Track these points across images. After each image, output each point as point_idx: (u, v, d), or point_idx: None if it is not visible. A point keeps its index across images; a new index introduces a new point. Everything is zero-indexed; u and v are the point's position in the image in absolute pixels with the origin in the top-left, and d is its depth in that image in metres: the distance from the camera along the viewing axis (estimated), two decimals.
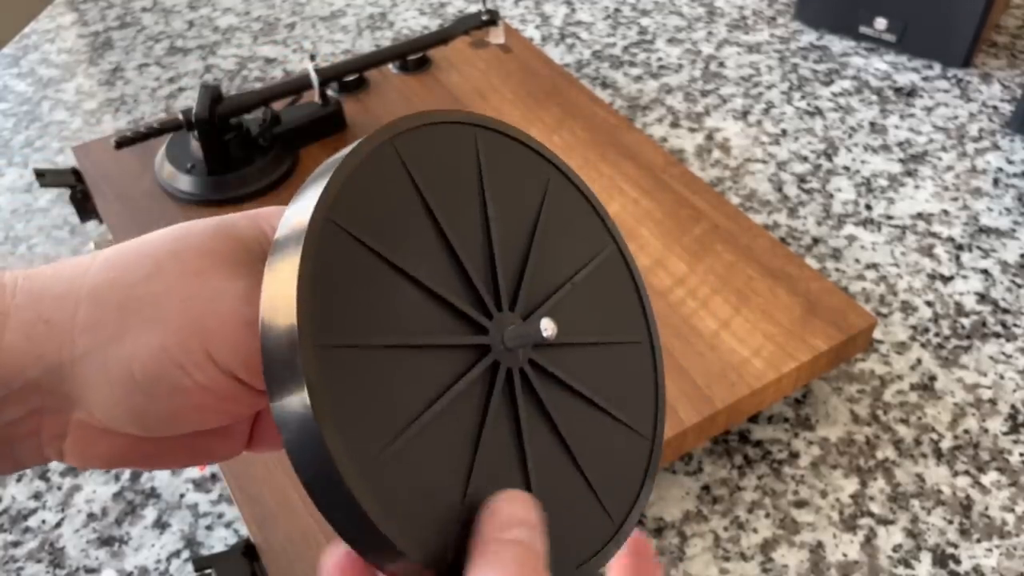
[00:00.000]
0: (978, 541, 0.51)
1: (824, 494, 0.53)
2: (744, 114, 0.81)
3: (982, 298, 0.65)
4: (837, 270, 0.67)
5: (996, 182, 0.74)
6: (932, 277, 0.66)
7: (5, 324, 0.25)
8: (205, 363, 0.25)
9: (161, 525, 0.53)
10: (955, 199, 0.72)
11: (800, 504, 0.53)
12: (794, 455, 0.55)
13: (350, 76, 0.71)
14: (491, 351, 0.26)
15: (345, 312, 0.23)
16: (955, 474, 0.54)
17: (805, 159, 0.76)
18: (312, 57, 0.69)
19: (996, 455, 0.55)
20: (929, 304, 0.64)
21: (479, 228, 0.27)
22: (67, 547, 0.52)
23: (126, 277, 0.26)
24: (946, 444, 0.56)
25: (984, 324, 0.63)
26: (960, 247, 0.68)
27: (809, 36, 0.91)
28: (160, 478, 0.55)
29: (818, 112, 0.81)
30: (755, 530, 0.52)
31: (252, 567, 0.45)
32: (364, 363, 0.23)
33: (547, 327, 0.26)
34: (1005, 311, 0.64)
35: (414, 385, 0.24)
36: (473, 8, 0.96)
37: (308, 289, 0.23)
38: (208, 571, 0.45)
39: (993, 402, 0.58)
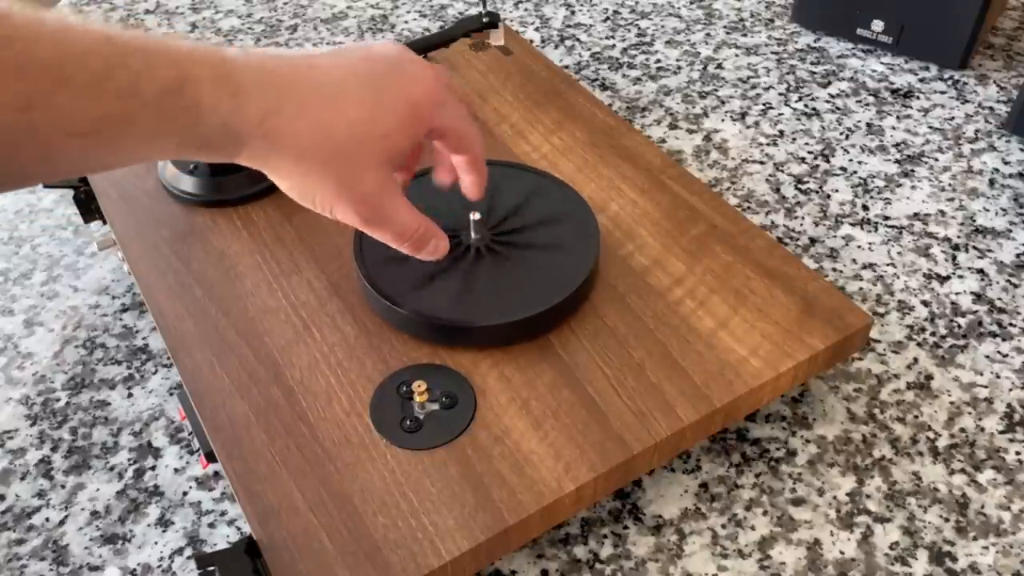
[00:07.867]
0: (974, 539, 0.51)
1: (821, 492, 0.54)
2: (742, 115, 0.82)
3: (978, 298, 0.65)
4: (834, 270, 0.67)
5: (992, 183, 0.74)
6: (928, 277, 0.67)
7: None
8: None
9: (164, 523, 0.53)
10: (951, 200, 0.73)
11: (797, 502, 0.53)
12: (791, 453, 0.56)
13: None
14: (464, 243, 0.58)
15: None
16: (951, 472, 0.54)
17: (802, 160, 0.77)
18: None
19: (992, 453, 0.55)
20: (925, 304, 0.65)
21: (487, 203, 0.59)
22: (71, 545, 0.52)
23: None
24: (942, 442, 0.56)
25: (980, 324, 0.63)
26: (956, 247, 0.69)
27: (807, 38, 0.91)
28: (163, 476, 0.55)
29: (815, 113, 0.82)
30: (753, 528, 0.52)
31: (255, 564, 0.45)
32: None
33: (475, 215, 0.57)
34: (1001, 311, 0.64)
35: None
36: (473, 11, 0.97)
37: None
38: (211, 568, 0.46)
39: (989, 401, 0.58)
